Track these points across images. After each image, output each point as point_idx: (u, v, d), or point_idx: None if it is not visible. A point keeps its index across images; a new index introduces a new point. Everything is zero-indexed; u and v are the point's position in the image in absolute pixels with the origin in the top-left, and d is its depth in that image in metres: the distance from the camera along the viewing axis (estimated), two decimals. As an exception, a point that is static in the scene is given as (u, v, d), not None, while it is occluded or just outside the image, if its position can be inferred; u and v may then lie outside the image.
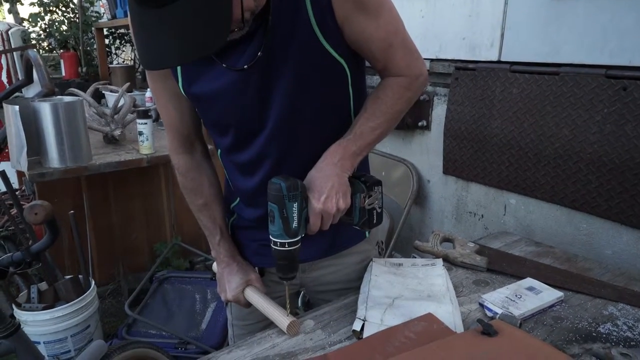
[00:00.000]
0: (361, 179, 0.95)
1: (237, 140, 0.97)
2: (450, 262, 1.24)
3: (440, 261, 1.19)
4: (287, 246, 0.88)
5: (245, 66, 0.86)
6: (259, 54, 0.85)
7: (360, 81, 1.00)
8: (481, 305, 1.04)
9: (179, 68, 0.93)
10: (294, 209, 0.86)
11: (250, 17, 0.79)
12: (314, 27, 0.84)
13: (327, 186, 0.88)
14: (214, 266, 1.18)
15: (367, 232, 1.13)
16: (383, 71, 0.97)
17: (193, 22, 0.68)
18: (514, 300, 1.02)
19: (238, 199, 1.10)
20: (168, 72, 0.95)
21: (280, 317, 0.97)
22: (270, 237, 0.89)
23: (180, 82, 0.94)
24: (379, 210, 0.96)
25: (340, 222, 0.94)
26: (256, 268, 1.13)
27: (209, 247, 1.16)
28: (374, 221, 0.96)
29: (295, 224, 0.87)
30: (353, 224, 0.96)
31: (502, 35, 1.67)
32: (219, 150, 1.06)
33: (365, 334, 0.91)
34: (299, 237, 0.89)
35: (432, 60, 1.94)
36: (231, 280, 1.09)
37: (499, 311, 0.98)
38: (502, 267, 1.22)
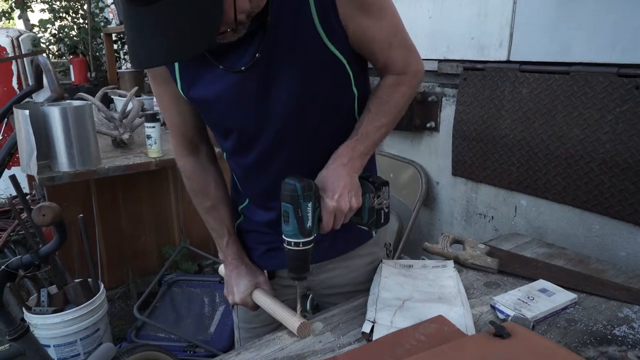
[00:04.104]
0: (369, 179, 0.95)
1: (239, 142, 0.97)
2: (460, 264, 1.22)
3: (451, 263, 1.18)
4: (301, 246, 0.88)
5: (243, 68, 0.85)
6: (257, 55, 0.84)
7: (364, 81, 0.99)
8: (493, 307, 1.02)
9: (177, 71, 0.92)
10: (308, 208, 0.86)
11: (247, 19, 0.78)
12: (318, 27, 0.83)
13: (339, 185, 0.88)
14: (221, 269, 1.17)
15: (373, 233, 1.12)
16: (383, 70, 0.97)
17: (181, 20, 0.67)
18: (526, 302, 1.00)
19: (247, 200, 1.10)
20: (168, 76, 0.94)
21: (291, 319, 0.97)
22: (284, 237, 0.89)
23: (180, 86, 0.94)
24: (386, 210, 0.97)
25: (350, 223, 0.94)
26: (265, 271, 1.13)
27: (217, 251, 1.16)
28: (382, 221, 0.97)
29: (309, 224, 0.87)
30: (362, 224, 0.97)
31: (511, 34, 1.65)
32: (225, 153, 1.05)
33: (375, 336, 0.90)
34: (313, 237, 0.89)
35: (440, 60, 1.92)
36: (239, 282, 1.08)
37: (511, 313, 0.97)
38: (514, 268, 1.20)
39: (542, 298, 1.02)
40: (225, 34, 0.76)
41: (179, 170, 1.11)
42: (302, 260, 0.90)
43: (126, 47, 4.73)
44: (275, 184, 0.95)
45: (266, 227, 1.07)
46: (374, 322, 0.93)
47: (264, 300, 1.05)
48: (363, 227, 0.97)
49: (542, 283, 1.09)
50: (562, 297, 1.03)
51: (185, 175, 1.09)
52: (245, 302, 1.08)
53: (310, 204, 0.86)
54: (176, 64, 0.91)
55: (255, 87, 0.88)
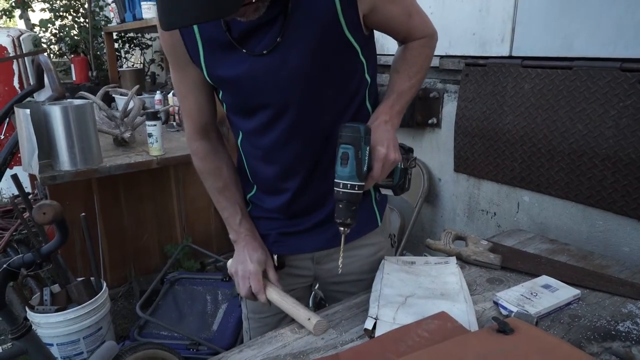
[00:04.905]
0: (398, 143, 0.99)
1: (262, 121, 0.99)
2: (463, 260, 1.22)
3: (453, 259, 1.17)
4: (356, 189, 0.89)
5: (265, 51, 0.89)
6: (278, 39, 0.88)
7: (374, 70, 1.04)
8: (495, 303, 1.02)
9: (202, 56, 0.95)
10: (367, 152, 0.89)
11: None
12: (340, 17, 0.88)
13: (386, 137, 0.93)
14: (229, 263, 1.17)
15: (379, 221, 1.14)
16: (405, 40, 1.04)
17: None
18: (529, 298, 1.00)
19: (255, 188, 1.12)
20: (189, 61, 0.98)
21: (306, 320, 0.97)
22: (338, 180, 0.90)
23: (205, 70, 0.97)
24: (410, 176, 1.02)
25: (378, 186, 1.00)
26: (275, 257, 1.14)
27: (220, 248, 1.16)
28: (406, 186, 1.02)
29: (365, 167, 0.90)
30: (391, 185, 1.00)
31: (513, 29, 1.65)
32: (240, 136, 1.08)
33: (378, 333, 0.90)
34: (364, 183, 0.91)
35: (441, 56, 1.92)
36: (253, 255, 1.08)
37: (514, 309, 0.96)
38: (517, 265, 1.20)
39: (545, 294, 1.02)
40: (247, 9, 0.80)
41: (191, 153, 1.13)
42: (353, 204, 0.91)
43: (127, 45, 4.74)
44: (291, 166, 1.00)
45: (277, 213, 1.10)
46: (376, 319, 0.93)
47: (275, 296, 1.05)
48: (388, 190, 1.01)
49: (545, 279, 1.08)
50: (566, 292, 1.03)
51: (198, 157, 1.12)
52: (257, 272, 1.07)
53: (368, 148, 0.89)
54: (201, 50, 0.95)
55: (276, 69, 0.91)
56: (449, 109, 1.95)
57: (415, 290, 1.03)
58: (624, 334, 0.91)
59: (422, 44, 1.03)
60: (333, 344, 0.92)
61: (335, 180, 0.90)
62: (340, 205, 0.91)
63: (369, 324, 0.92)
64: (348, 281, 1.15)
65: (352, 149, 0.88)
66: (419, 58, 1.03)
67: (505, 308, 0.99)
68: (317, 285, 1.24)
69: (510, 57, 1.67)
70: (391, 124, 0.97)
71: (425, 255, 1.22)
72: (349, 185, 0.89)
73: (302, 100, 0.94)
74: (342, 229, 0.94)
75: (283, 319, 1.15)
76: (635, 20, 1.32)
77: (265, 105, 0.97)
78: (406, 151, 1.01)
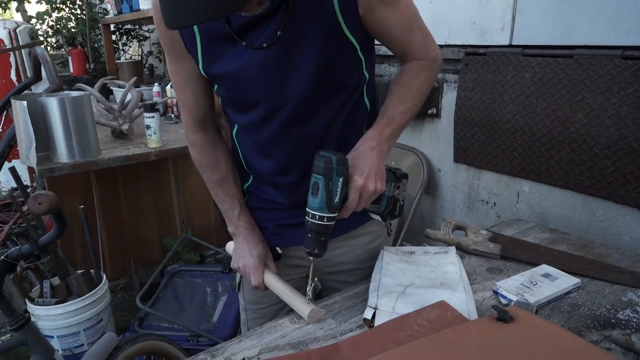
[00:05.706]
0: (391, 169, 0.96)
1: (259, 116, 0.98)
2: (462, 250, 1.22)
3: (453, 249, 1.17)
4: (325, 220, 0.87)
5: (265, 45, 0.89)
6: (279, 33, 0.87)
7: (372, 68, 1.03)
8: (495, 292, 1.01)
9: (199, 50, 0.94)
10: (339, 183, 0.86)
11: None
12: (338, 13, 0.87)
13: (368, 166, 0.90)
14: (228, 246, 1.16)
15: None
16: (403, 56, 1.00)
17: None
18: (529, 287, 1.00)
19: (251, 177, 1.11)
20: (186, 54, 0.97)
21: (302, 306, 0.97)
22: (309, 210, 0.88)
23: (201, 64, 0.96)
24: (401, 203, 0.98)
25: (365, 210, 0.95)
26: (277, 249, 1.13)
27: (219, 240, 1.15)
28: (396, 213, 0.98)
29: (337, 199, 0.87)
30: (378, 212, 0.97)
31: (513, 18, 1.63)
32: (236, 128, 1.07)
33: (377, 322, 0.90)
34: (336, 214, 0.89)
35: (441, 46, 1.89)
36: (254, 250, 1.08)
37: (514, 298, 0.96)
38: (516, 254, 1.20)
39: (545, 283, 1.02)
40: (251, 3, 0.79)
41: (189, 145, 1.12)
42: (322, 235, 0.89)
43: (124, 37, 4.71)
44: (287, 161, 0.99)
45: (275, 203, 1.09)
46: (375, 309, 0.92)
47: (272, 282, 1.05)
48: (376, 217, 0.98)
49: (545, 268, 1.08)
50: (566, 281, 1.03)
51: (196, 150, 1.11)
52: (257, 266, 1.06)
53: (341, 179, 0.86)
54: (199, 43, 0.93)
55: (276, 64, 0.91)
56: (449, 99, 1.94)
57: (414, 280, 1.02)
58: (623, 322, 0.91)
59: (421, 66, 0.99)
60: (332, 334, 0.92)
61: (307, 209, 0.88)
62: (309, 235, 0.89)
63: (368, 314, 0.92)
64: (345, 270, 1.15)
65: (323, 180, 0.84)
66: (416, 81, 0.98)
67: (505, 297, 0.98)
68: (316, 277, 1.23)
69: (510, 45, 1.66)
70: (377, 150, 0.92)
71: (424, 245, 1.21)
72: (317, 216, 0.87)
73: (300, 95, 0.93)
74: (311, 258, 0.93)
75: (281, 310, 1.15)
76: (636, 7, 1.31)
77: (263, 100, 0.95)
78: (397, 178, 0.97)
